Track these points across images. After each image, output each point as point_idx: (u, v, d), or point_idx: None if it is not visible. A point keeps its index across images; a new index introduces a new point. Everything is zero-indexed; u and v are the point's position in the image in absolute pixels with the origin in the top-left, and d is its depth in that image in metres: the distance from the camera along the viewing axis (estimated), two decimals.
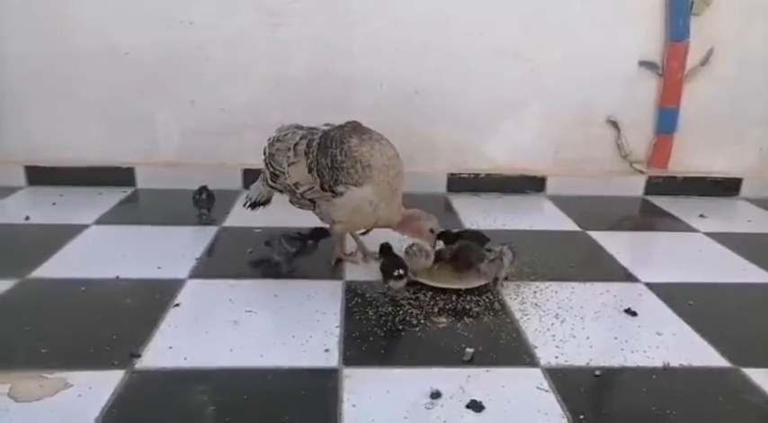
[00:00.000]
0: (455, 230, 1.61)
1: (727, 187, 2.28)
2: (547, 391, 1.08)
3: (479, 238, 1.56)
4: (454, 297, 1.40)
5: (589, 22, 2.09)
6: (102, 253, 1.60)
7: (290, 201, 1.54)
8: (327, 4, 2.03)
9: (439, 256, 1.51)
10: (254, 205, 1.64)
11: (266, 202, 1.64)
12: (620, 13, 2.09)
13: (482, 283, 1.45)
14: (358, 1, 2.03)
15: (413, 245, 1.47)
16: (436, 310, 1.35)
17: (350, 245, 1.66)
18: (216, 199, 1.88)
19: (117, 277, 1.45)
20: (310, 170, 1.41)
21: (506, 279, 1.47)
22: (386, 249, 1.48)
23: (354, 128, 1.45)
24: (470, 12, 2.06)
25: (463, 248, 1.50)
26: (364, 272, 1.53)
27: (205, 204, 1.85)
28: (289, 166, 1.45)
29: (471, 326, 1.29)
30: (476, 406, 1.03)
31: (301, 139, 1.45)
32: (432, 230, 1.48)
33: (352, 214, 1.43)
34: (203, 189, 1.86)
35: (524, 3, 2.06)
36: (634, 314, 1.36)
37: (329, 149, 1.39)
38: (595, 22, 2.09)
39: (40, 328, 1.23)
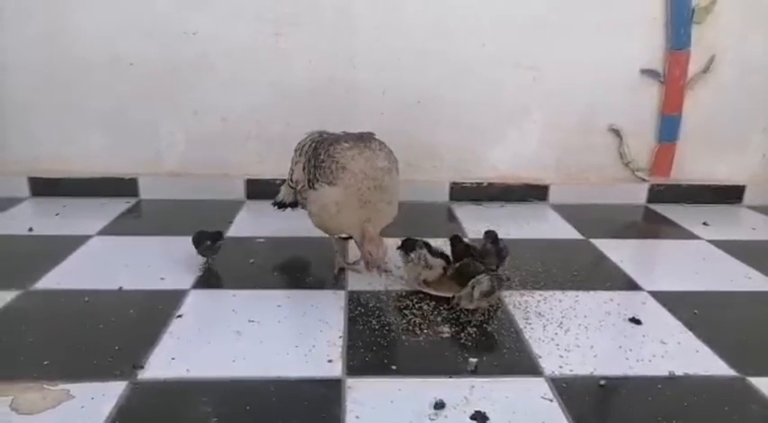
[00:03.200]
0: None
1: (730, 195, 2.28)
2: (551, 400, 1.08)
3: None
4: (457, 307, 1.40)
5: (591, 31, 2.10)
6: (105, 264, 1.60)
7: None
8: (330, 14, 2.04)
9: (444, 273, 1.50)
10: (278, 205, 1.67)
11: (292, 204, 1.66)
12: (621, 21, 2.09)
13: None
14: (360, 10, 2.04)
15: (416, 252, 1.47)
16: (439, 319, 1.35)
17: (353, 254, 1.66)
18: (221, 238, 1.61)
19: (120, 288, 1.45)
20: (304, 168, 1.45)
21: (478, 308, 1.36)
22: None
23: (360, 136, 1.44)
24: (473, 21, 2.07)
25: (464, 266, 1.48)
26: (367, 281, 1.52)
27: (211, 252, 1.59)
28: (294, 165, 1.51)
29: (475, 335, 1.28)
30: (480, 416, 1.02)
31: (310, 141, 1.49)
32: (369, 254, 1.37)
33: (320, 211, 1.43)
34: (205, 235, 1.58)
35: (526, 12, 2.07)
36: (638, 323, 1.36)
37: (319, 149, 1.41)
38: (597, 31, 2.10)
39: (42, 340, 1.23)
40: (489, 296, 1.34)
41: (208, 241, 1.57)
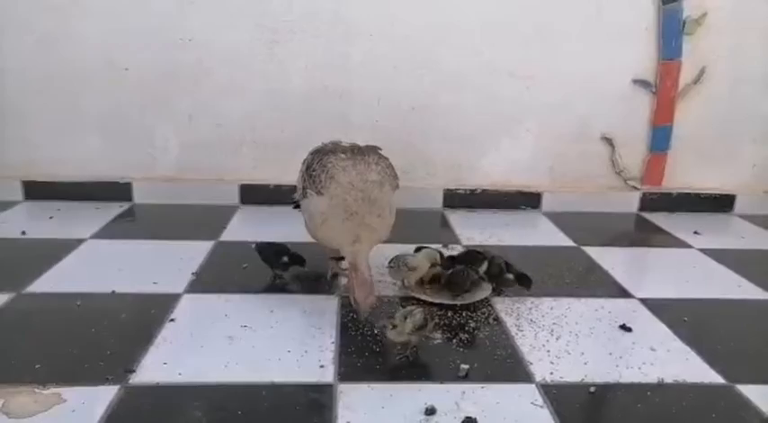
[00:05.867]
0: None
1: (720, 204, 2.30)
2: (541, 407, 1.08)
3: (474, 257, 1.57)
4: (449, 313, 1.40)
5: (584, 41, 2.12)
6: (98, 268, 1.60)
7: None
8: (326, 21, 2.05)
9: (438, 280, 1.51)
10: (295, 205, 1.62)
11: None
12: (614, 32, 2.11)
13: (477, 298, 1.45)
14: (356, 18, 2.06)
15: (395, 258, 1.48)
16: (431, 325, 1.35)
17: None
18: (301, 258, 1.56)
19: (113, 292, 1.45)
20: (301, 177, 1.45)
21: (414, 347, 1.23)
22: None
23: (362, 149, 1.43)
24: (468, 30, 2.09)
25: (455, 274, 1.49)
26: None
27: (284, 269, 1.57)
28: (298, 174, 1.49)
29: (466, 342, 1.29)
30: (471, 422, 1.03)
31: (314, 150, 1.47)
32: (356, 300, 1.29)
33: (309, 220, 1.42)
34: (282, 250, 1.56)
35: (521, 21, 2.09)
36: (629, 330, 1.37)
37: (314, 159, 1.41)
38: (590, 41, 2.12)
39: (34, 343, 1.23)
40: (421, 330, 1.22)
41: (285, 258, 1.54)
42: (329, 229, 1.35)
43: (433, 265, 1.49)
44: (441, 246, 1.79)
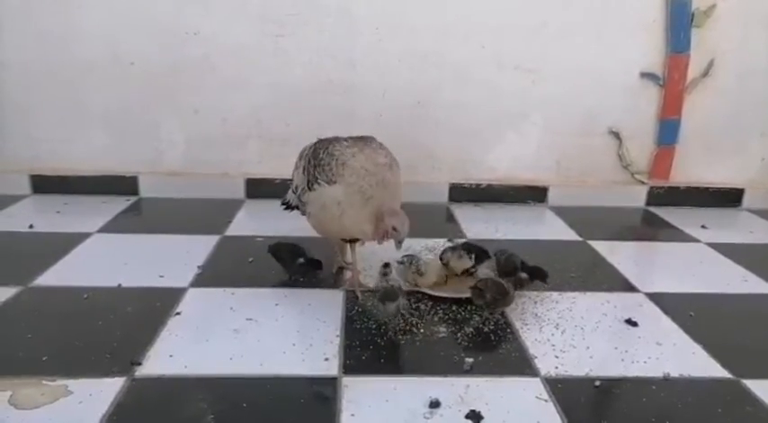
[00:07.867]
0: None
1: (728, 198, 2.28)
2: (546, 401, 1.08)
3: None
4: (454, 307, 1.40)
5: (591, 34, 2.10)
6: (104, 261, 1.61)
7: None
8: (331, 15, 2.05)
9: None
10: (286, 206, 1.61)
11: (297, 206, 1.55)
12: (621, 24, 2.10)
13: None
14: (361, 12, 2.05)
15: (408, 256, 1.48)
16: (436, 319, 1.35)
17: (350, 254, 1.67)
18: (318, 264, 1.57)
19: (119, 285, 1.46)
20: (304, 171, 1.43)
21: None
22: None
23: (361, 137, 1.43)
24: (473, 23, 2.08)
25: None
26: (365, 281, 1.53)
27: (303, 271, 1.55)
28: (295, 171, 1.49)
29: (471, 335, 1.29)
30: (475, 416, 1.03)
31: (311, 145, 1.47)
32: (394, 228, 1.30)
33: (320, 211, 1.38)
34: (296, 251, 1.56)
35: (526, 15, 2.08)
36: (634, 324, 1.36)
37: (318, 150, 1.40)
38: (597, 34, 2.10)
39: (41, 336, 1.24)
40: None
41: (301, 259, 1.53)
42: (348, 218, 1.33)
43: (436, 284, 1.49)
44: (446, 240, 1.79)
